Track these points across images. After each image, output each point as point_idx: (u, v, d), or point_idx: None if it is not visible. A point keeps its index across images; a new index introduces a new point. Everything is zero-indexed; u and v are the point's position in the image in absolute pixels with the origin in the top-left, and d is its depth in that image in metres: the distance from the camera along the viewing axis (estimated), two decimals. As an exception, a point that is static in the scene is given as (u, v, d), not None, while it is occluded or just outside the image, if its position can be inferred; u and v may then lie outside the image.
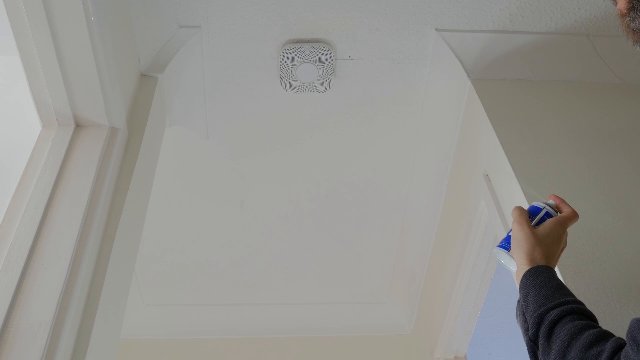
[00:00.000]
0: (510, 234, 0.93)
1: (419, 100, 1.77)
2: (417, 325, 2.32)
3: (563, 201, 0.94)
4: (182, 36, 1.54)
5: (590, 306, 0.80)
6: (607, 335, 0.71)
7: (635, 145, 1.34)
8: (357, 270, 2.30)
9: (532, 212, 0.93)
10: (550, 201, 0.95)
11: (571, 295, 0.79)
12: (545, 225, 0.89)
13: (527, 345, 0.78)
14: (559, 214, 0.93)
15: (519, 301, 0.85)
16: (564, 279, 1.03)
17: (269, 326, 2.38)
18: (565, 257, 1.05)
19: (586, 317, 0.76)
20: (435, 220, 1.97)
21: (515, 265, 0.90)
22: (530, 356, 0.78)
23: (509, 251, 0.92)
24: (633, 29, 0.73)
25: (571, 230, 1.01)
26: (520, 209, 0.92)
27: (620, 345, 0.67)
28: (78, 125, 1.23)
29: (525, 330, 0.80)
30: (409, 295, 2.31)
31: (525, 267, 0.85)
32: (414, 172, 1.97)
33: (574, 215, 0.91)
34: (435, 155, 1.85)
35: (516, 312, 0.86)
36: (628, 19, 0.74)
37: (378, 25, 1.58)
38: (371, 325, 2.40)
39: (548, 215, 0.92)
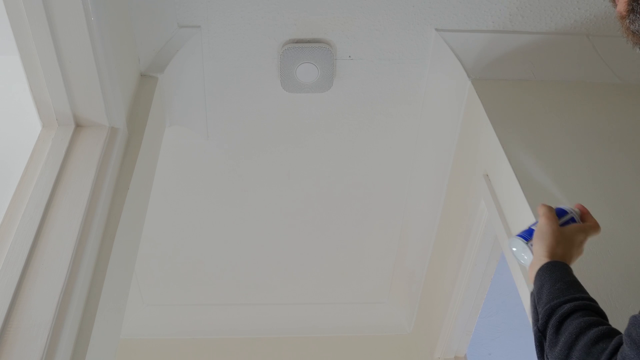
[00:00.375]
0: (532, 227, 0.95)
1: (419, 100, 1.77)
2: (417, 325, 2.32)
3: (588, 212, 0.97)
4: (182, 36, 1.54)
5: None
6: (614, 333, 0.71)
7: (635, 146, 1.34)
8: (357, 270, 2.30)
9: (558, 214, 0.95)
10: (576, 209, 0.98)
11: (585, 292, 0.80)
12: (571, 228, 0.92)
13: (534, 335, 0.79)
14: (581, 222, 0.96)
15: (532, 293, 0.86)
16: (564, 279, 1.03)
17: (269, 326, 2.38)
18: (565, 257, 1.06)
19: (597, 315, 0.77)
20: (435, 220, 1.97)
21: (529, 256, 0.93)
22: (537, 346, 0.79)
23: (528, 242, 0.94)
24: (633, 31, 0.74)
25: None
26: (548, 206, 0.94)
27: (622, 342, 0.67)
28: (78, 125, 1.23)
29: (535, 321, 0.81)
30: (409, 295, 2.31)
31: (544, 260, 0.87)
32: (414, 172, 1.97)
33: (597, 227, 0.95)
34: (435, 155, 1.85)
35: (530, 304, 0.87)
36: (628, 21, 0.74)
37: (378, 25, 1.58)
38: (371, 325, 2.40)
39: (573, 220, 0.95)
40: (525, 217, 1.16)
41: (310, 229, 2.14)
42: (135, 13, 1.38)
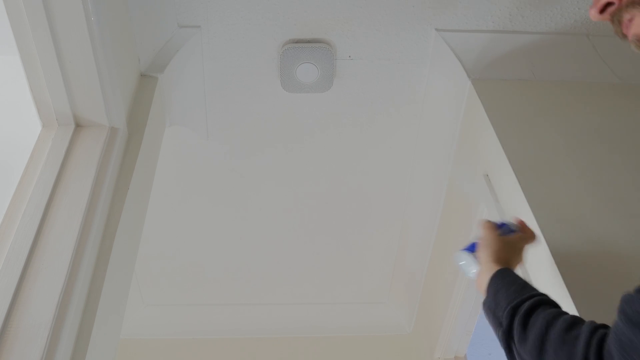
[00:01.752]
0: (474, 242, 1.03)
1: (419, 101, 1.77)
2: (417, 325, 2.32)
3: (526, 224, 1.06)
4: (182, 36, 1.54)
5: (588, 305, 0.80)
6: (580, 320, 0.74)
7: (635, 146, 1.34)
8: (357, 270, 2.30)
9: (499, 227, 1.04)
10: (515, 222, 1.07)
11: (537, 290, 0.85)
12: (511, 237, 1.02)
13: (501, 339, 0.82)
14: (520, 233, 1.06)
15: (484, 302, 0.90)
16: (564, 280, 1.03)
17: (269, 326, 2.38)
18: (565, 258, 1.06)
19: (554, 307, 0.80)
20: (435, 220, 1.97)
21: (475, 268, 1.00)
22: (505, 349, 0.81)
23: (473, 254, 1.02)
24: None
25: (571, 231, 1.00)
26: (489, 220, 1.03)
27: (595, 327, 0.69)
28: (78, 125, 1.23)
29: (498, 325, 0.84)
30: (409, 295, 2.31)
31: (491, 265, 0.93)
32: (414, 172, 1.97)
33: (534, 236, 1.04)
34: (435, 155, 1.85)
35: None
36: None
37: (378, 25, 1.58)
38: (371, 325, 2.40)
39: (512, 231, 1.04)
40: (525, 217, 1.16)
41: (310, 229, 2.14)
42: (135, 13, 1.38)
